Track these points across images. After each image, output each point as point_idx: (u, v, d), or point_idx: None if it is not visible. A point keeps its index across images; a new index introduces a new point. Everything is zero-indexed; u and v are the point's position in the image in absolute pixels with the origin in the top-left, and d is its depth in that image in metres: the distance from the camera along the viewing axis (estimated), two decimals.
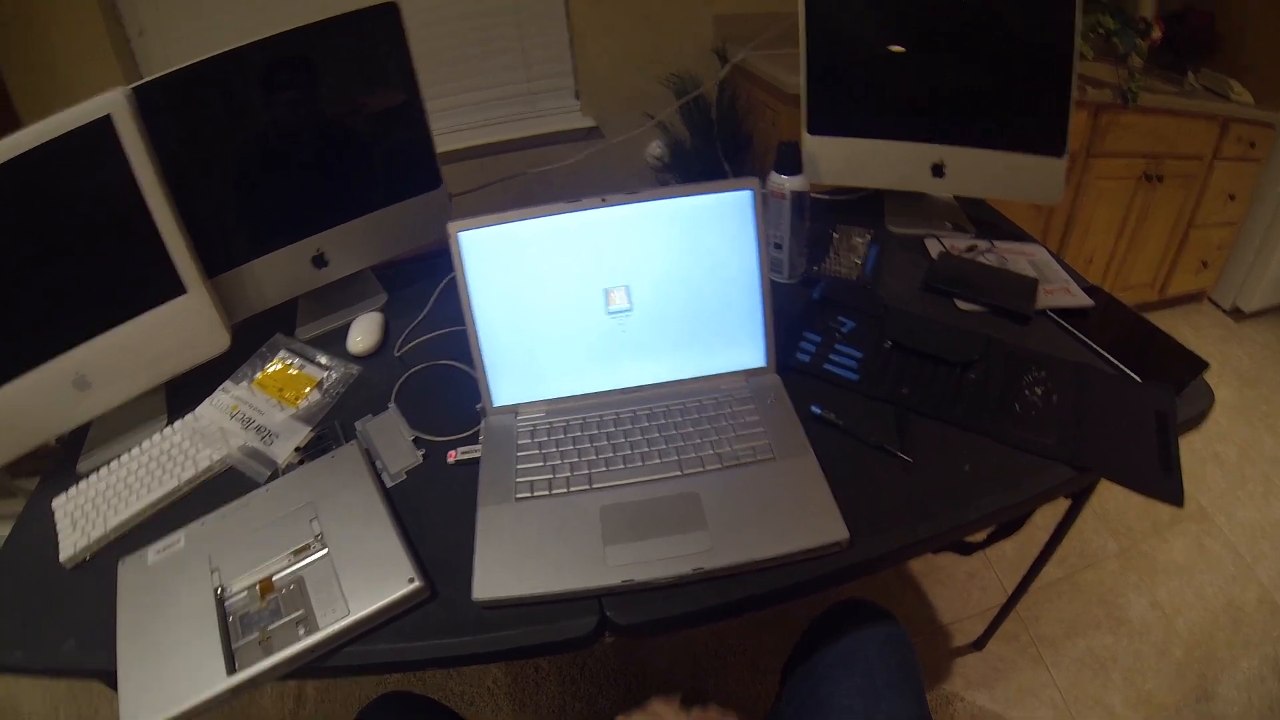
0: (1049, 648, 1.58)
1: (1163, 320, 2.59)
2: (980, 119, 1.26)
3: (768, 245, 1.15)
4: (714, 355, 0.95)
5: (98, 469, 0.96)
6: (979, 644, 1.57)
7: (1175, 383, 1.01)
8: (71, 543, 0.87)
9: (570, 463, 0.86)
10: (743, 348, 0.95)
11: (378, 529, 0.81)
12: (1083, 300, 1.17)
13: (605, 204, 0.87)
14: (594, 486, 0.83)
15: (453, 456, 0.91)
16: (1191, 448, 2.05)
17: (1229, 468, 2.04)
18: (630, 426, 0.89)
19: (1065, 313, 1.14)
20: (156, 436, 0.99)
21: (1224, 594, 1.70)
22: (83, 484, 0.95)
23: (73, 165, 0.89)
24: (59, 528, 0.90)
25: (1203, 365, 1.05)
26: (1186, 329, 2.59)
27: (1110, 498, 1.89)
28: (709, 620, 0.75)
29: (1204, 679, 1.52)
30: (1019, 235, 1.37)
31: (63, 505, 0.93)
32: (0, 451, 0.95)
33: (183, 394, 1.06)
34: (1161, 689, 1.50)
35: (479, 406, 0.95)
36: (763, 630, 1.56)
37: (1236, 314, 2.63)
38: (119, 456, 0.97)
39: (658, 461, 0.85)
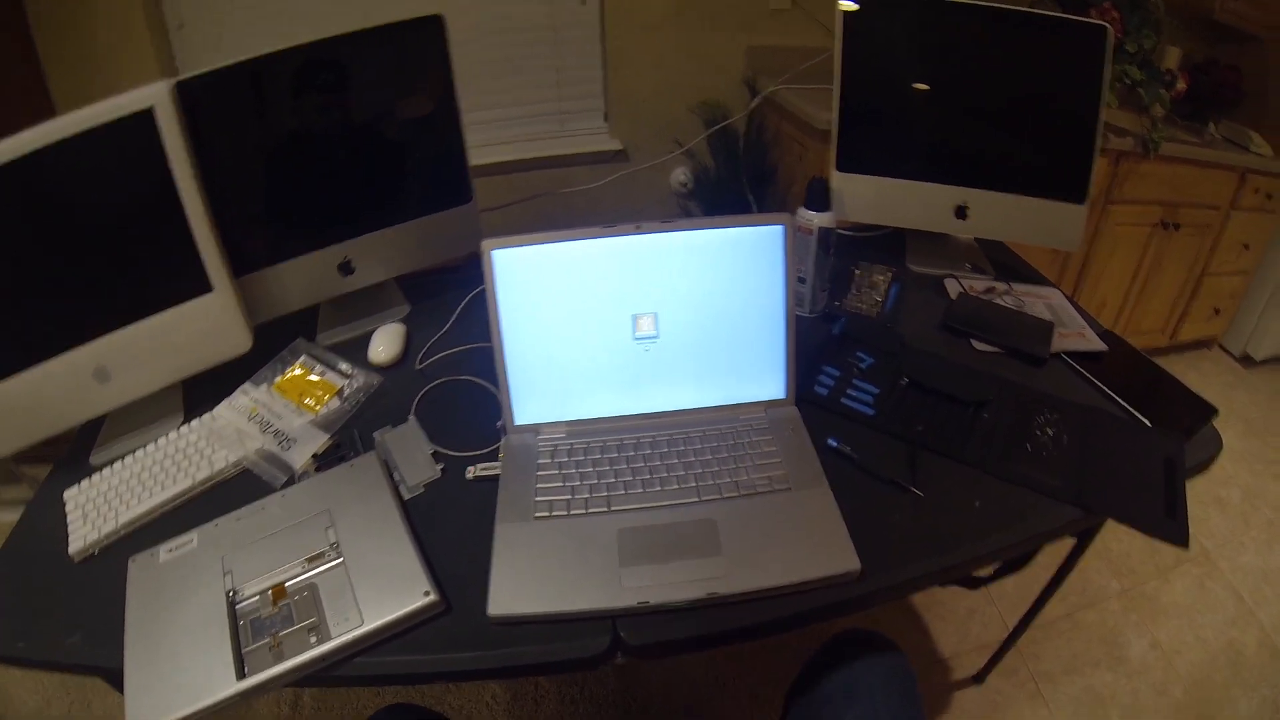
0: (1048, 684, 1.58)
1: (1173, 365, 2.62)
2: (1005, 164, 1.28)
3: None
4: (736, 385, 0.96)
5: (111, 463, 0.96)
6: (978, 678, 1.57)
7: (1184, 428, 1.03)
8: (81, 536, 0.87)
9: (589, 484, 0.86)
10: (764, 379, 0.96)
11: (394, 540, 0.81)
12: (1096, 345, 1.18)
13: (639, 230, 0.88)
14: (612, 509, 0.84)
15: (472, 472, 0.91)
16: (1196, 491, 2.01)
17: (1233, 513, 2.04)
18: (650, 451, 0.90)
19: (1079, 356, 1.15)
20: (173, 434, 0.99)
21: (1224, 636, 1.70)
22: (95, 477, 0.95)
23: (111, 155, 0.90)
24: (69, 520, 0.90)
25: (1212, 411, 1.06)
26: (1196, 375, 2.60)
27: (1115, 538, 1.89)
28: (720, 644, 0.76)
29: (1202, 719, 1.52)
30: (1037, 279, 1.39)
31: (74, 497, 0.93)
32: (16, 437, 0.95)
33: (200, 393, 1.06)
34: None
35: (500, 424, 0.96)
36: (761, 658, 1.56)
37: (1246, 361, 2.65)
38: (134, 452, 0.97)
39: (676, 487, 0.86)
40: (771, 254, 0.91)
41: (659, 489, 0.85)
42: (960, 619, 1.71)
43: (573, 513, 0.83)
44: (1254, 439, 2.31)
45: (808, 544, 0.79)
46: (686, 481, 0.86)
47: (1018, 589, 1.71)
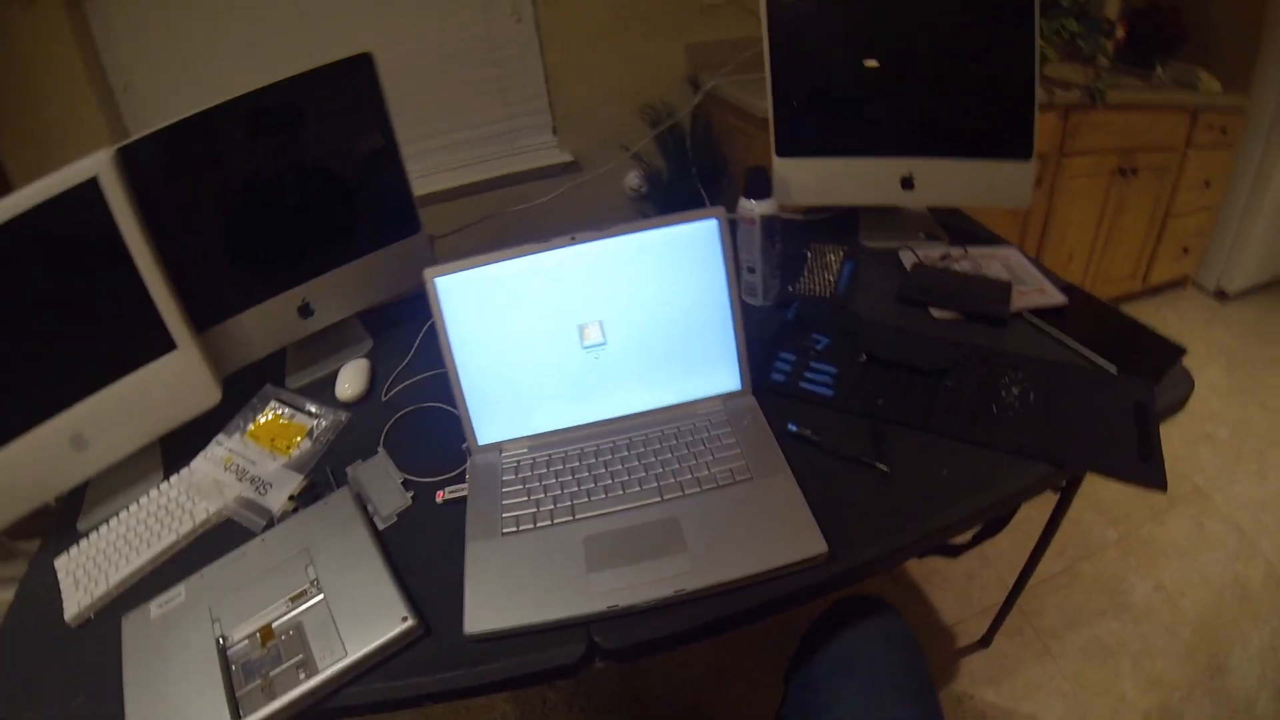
0: (1054, 640, 1.59)
1: (1147, 308, 2.64)
2: (945, 130, 1.29)
3: (740, 270, 1.18)
4: (690, 382, 0.97)
5: (97, 527, 0.98)
6: (984, 642, 1.58)
7: (1154, 371, 1.02)
8: (75, 601, 0.89)
9: (553, 496, 0.88)
10: (718, 373, 0.97)
11: (371, 571, 0.83)
12: (1057, 299, 1.18)
13: (574, 242, 0.89)
14: (577, 517, 0.85)
15: (441, 496, 0.93)
16: (1183, 430, 2.06)
17: (1223, 447, 2.05)
18: (610, 457, 0.92)
19: (1041, 313, 1.16)
20: (154, 492, 1.01)
21: (1228, 571, 1.71)
22: (83, 543, 0.97)
23: (61, 228, 0.91)
24: (62, 587, 0.92)
25: (1180, 352, 1.06)
26: (1171, 315, 2.62)
27: (1105, 488, 1.89)
28: (695, 639, 0.77)
29: (1215, 656, 1.53)
30: (993, 240, 1.39)
31: (65, 565, 0.94)
32: (2, 513, 0.97)
33: (178, 448, 1.08)
34: (1172, 670, 1.51)
35: (464, 446, 0.97)
36: (761, 645, 1.55)
37: (1221, 296, 2.66)
38: (118, 514, 0.99)
39: (638, 489, 0.87)
40: (709, 248, 0.92)
41: (621, 493, 0.87)
42: (960, 586, 1.72)
43: (539, 525, 0.85)
44: (1237, 371, 2.32)
45: (772, 532, 0.80)
46: (648, 483, 0.88)
47: (1014, 549, 1.71)
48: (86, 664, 0.83)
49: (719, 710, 1.51)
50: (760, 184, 1.12)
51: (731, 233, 1.03)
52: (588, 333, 0.93)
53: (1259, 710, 1.42)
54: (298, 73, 1.06)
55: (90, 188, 0.91)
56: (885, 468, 0.90)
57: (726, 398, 0.98)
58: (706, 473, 0.88)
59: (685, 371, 0.97)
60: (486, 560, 0.82)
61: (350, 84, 1.11)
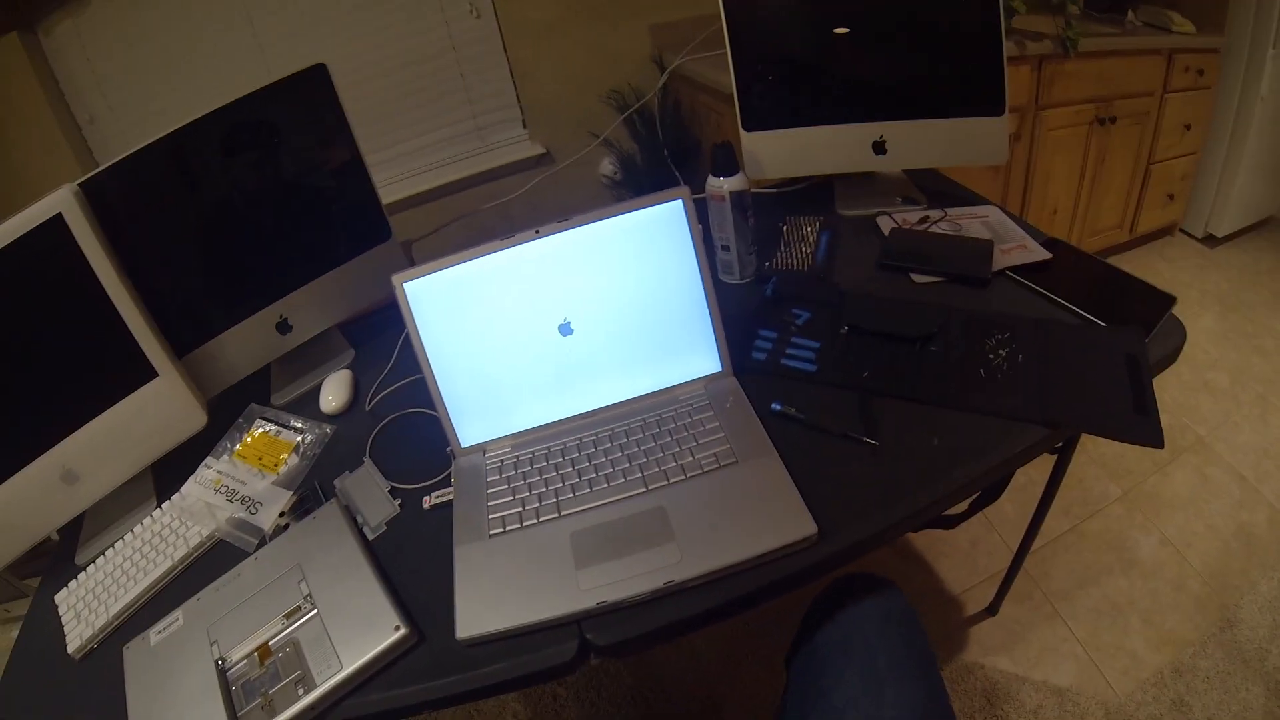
0: (1063, 602, 1.58)
1: (1137, 258, 2.62)
2: (913, 90, 1.26)
3: (714, 249, 1.17)
4: (669, 367, 0.96)
5: (94, 559, 0.99)
6: (992, 609, 1.57)
7: (1144, 322, 1.00)
8: (77, 634, 0.90)
9: (538, 493, 0.87)
10: (697, 356, 0.96)
11: (362, 582, 0.83)
12: (1040, 254, 1.16)
13: (539, 235, 0.88)
14: (562, 514, 0.85)
15: (428, 502, 0.93)
16: (1181, 379, 2.05)
17: (1222, 394, 2.03)
18: (594, 450, 0.91)
19: (1025, 270, 1.14)
20: (147, 520, 1.02)
21: (1233, 520, 1.70)
22: (82, 576, 0.97)
23: (30, 267, 0.92)
24: (64, 621, 0.92)
25: (1170, 300, 1.04)
26: (1162, 263, 2.59)
27: (1106, 443, 1.87)
28: (689, 630, 0.76)
29: (1225, 608, 1.52)
30: (973, 200, 1.37)
31: (65, 599, 0.95)
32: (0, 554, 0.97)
33: (169, 473, 1.08)
34: (1183, 625, 1.50)
35: (449, 450, 0.97)
36: (772, 629, 1.56)
37: (1210, 241, 2.63)
38: (113, 544, 1.00)
39: (622, 481, 0.86)
40: (676, 230, 0.91)
41: (605, 486, 0.86)
42: (964, 553, 1.71)
43: (525, 524, 0.84)
44: (1232, 315, 2.31)
45: (759, 516, 0.79)
46: (632, 473, 0.87)
47: (1017, 512, 1.71)
48: (92, 695, 0.84)
49: (730, 698, 1.51)
50: (727, 160, 1.10)
51: (703, 212, 1.01)
52: (562, 325, 0.92)
53: (1272, 661, 1.41)
54: (253, 90, 1.05)
55: (56, 225, 0.91)
56: (874, 441, 0.88)
57: (707, 381, 0.97)
58: (690, 459, 0.87)
59: (663, 357, 0.96)
60: (475, 563, 0.82)
61: (307, 96, 1.10)
